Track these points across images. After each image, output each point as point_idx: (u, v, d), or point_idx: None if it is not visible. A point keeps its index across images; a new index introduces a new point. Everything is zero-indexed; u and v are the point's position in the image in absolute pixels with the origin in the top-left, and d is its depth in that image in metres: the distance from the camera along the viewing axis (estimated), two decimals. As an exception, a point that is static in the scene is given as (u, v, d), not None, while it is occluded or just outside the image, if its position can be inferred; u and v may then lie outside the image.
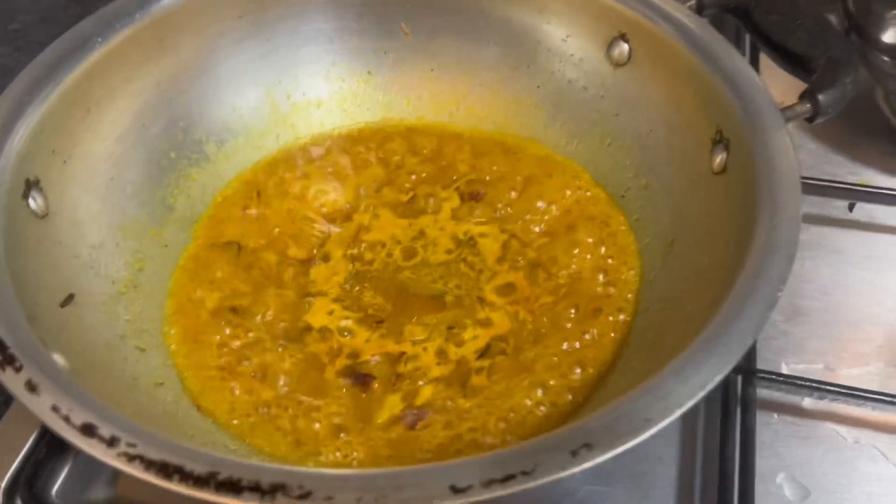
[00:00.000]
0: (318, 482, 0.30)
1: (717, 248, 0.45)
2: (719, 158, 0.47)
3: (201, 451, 0.31)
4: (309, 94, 0.60)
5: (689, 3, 0.53)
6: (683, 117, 0.51)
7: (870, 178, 0.67)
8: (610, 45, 0.55)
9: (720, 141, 0.47)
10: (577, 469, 0.31)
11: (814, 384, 0.49)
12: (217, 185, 0.57)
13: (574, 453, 0.31)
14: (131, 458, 0.31)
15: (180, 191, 0.55)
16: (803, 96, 0.47)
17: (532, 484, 0.30)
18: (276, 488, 0.29)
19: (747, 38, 0.68)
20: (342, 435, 0.44)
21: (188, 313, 0.50)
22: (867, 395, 0.49)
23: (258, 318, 0.50)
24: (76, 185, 0.49)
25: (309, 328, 0.49)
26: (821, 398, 0.51)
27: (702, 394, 0.33)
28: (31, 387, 0.33)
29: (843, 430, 0.51)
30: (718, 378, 0.33)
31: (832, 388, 0.49)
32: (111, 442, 0.31)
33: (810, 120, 0.47)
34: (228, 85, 0.57)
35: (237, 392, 0.45)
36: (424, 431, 0.44)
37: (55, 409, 0.32)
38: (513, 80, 0.59)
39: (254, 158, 0.58)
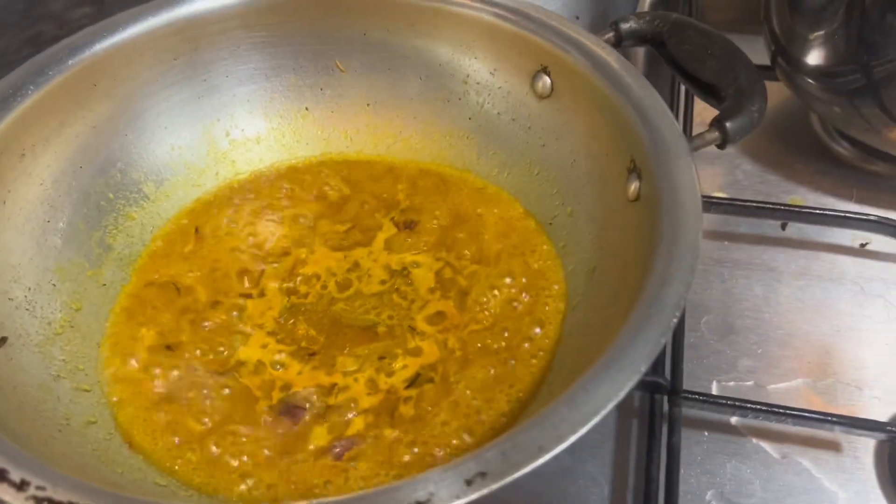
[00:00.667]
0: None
1: (629, 275, 0.46)
2: (633, 186, 0.48)
3: (109, 492, 0.32)
4: (247, 131, 0.62)
5: (606, 36, 0.55)
6: (602, 147, 0.52)
7: (803, 195, 0.69)
8: (534, 78, 0.56)
9: (633, 170, 0.49)
10: (472, 497, 0.32)
11: (737, 403, 0.51)
12: (156, 224, 0.58)
13: (469, 482, 0.32)
14: (39, 501, 0.31)
15: (119, 230, 0.56)
16: (712, 124, 0.48)
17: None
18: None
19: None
20: (269, 467, 0.45)
21: (124, 352, 0.51)
22: (791, 412, 0.50)
23: (193, 353, 0.51)
24: (11, 230, 0.50)
25: (242, 363, 0.50)
26: (744, 416, 0.52)
27: (593, 421, 0.34)
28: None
29: (770, 446, 0.52)
30: (609, 405, 0.34)
31: (756, 407, 0.51)
32: (21, 485, 0.32)
33: (720, 146, 0.48)
34: (166, 125, 0.59)
35: (168, 427, 0.46)
36: (351, 463, 0.45)
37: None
38: (445, 113, 0.61)
39: (193, 196, 0.60)
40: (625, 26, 0.55)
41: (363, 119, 0.63)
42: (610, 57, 0.52)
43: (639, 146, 0.48)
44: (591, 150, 0.53)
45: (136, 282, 0.55)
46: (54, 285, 0.51)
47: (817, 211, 0.63)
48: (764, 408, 0.50)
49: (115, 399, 0.48)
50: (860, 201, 0.68)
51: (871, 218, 0.62)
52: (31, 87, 0.51)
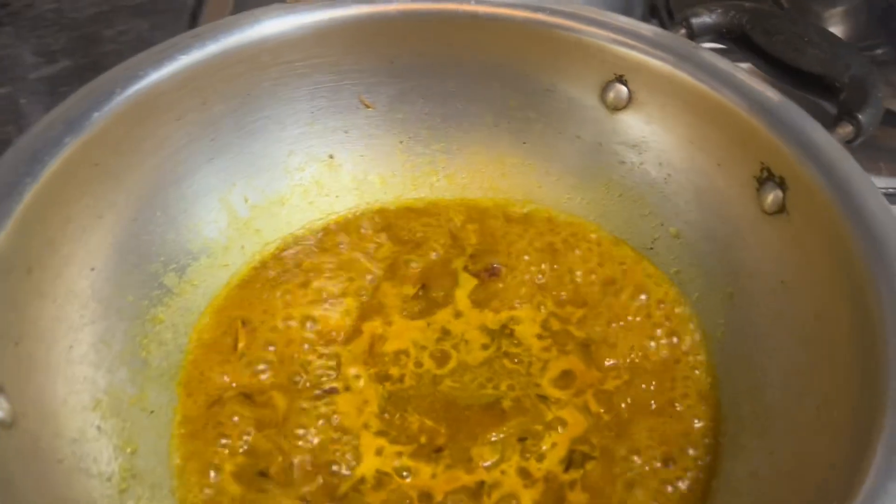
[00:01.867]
0: None
1: (799, 294, 0.41)
2: (771, 197, 0.43)
3: None
4: (268, 192, 0.52)
5: (678, 34, 0.50)
6: (710, 157, 0.47)
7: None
8: (604, 89, 0.50)
9: (769, 178, 0.43)
10: None
11: None
12: (190, 321, 0.47)
13: None
14: None
15: (150, 339, 0.45)
16: (841, 118, 0.44)
17: None
18: None
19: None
20: None
21: (206, 495, 0.40)
22: None
23: (294, 479, 0.41)
24: (34, 370, 0.38)
25: (361, 479, 0.41)
26: None
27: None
28: None
29: None
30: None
31: None
32: None
33: (852, 141, 0.44)
34: (177, 201, 0.48)
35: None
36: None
37: None
38: (494, 140, 0.54)
39: (222, 280, 0.49)
40: (697, 21, 0.49)
41: (397, 159, 0.54)
42: (705, 54, 0.47)
43: (774, 151, 0.43)
44: (693, 163, 0.48)
45: (187, 401, 0.44)
46: (98, 427, 0.40)
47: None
48: None
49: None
50: (890, 174, 0.66)
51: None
52: (28, 180, 0.39)
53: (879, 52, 0.61)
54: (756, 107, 0.44)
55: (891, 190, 0.59)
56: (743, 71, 0.45)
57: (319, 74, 0.51)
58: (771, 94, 0.44)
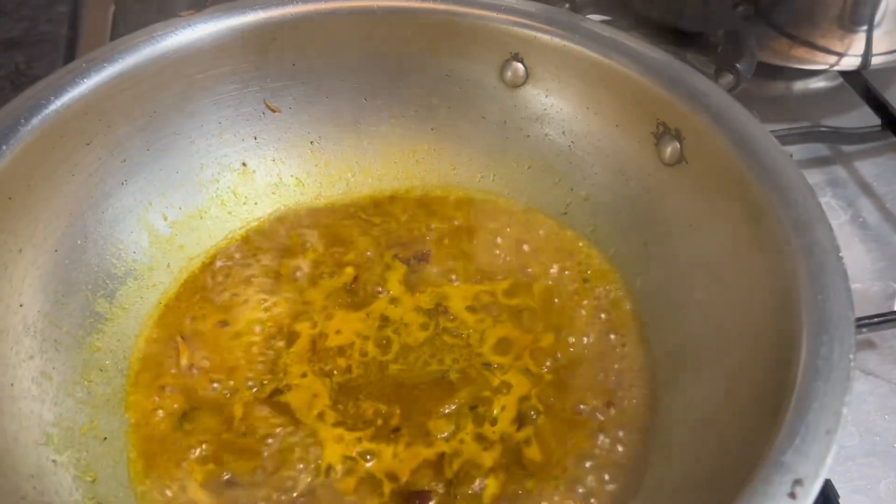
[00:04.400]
0: None
1: (709, 235, 0.45)
2: (669, 149, 0.47)
3: None
4: (186, 207, 0.52)
5: (564, 7, 0.53)
6: (607, 120, 0.50)
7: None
8: (502, 69, 0.53)
9: (665, 132, 0.47)
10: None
11: None
12: (127, 346, 0.47)
13: (792, 495, 0.29)
14: None
15: (90, 368, 0.45)
16: (720, 69, 0.48)
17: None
18: None
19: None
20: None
21: (177, 508, 0.40)
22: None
23: (261, 477, 0.41)
24: (-19, 411, 0.37)
25: (328, 469, 0.42)
26: None
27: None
28: None
29: None
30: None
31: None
32: None
33: (733, 89, 0.48)
34: (95, 226, 0.47)
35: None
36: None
37: None
38: (403, 130, 0.55)
39: (154, 299, 0.49)
40: (579, -6, 0.52)
41: (311, 159, 0.55)
42: (592, 25, 0.50)
43: (667, 105, 0.46)
44: (591, 127, 0.51)
45: (138, 423, 0.44)
46: (54, 461, 0.39)
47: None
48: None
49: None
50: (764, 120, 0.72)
51: (780, 131, 0.66)
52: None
53: (741, 9, 0.65)
54: (645, 67, 0.47)
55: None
56: (628, 36, 0.49)
57: (222, 84, 0.51)
58: (656, 54, 0.47)
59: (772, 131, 0.61)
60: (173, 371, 0.46)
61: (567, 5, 0.53)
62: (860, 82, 0.67)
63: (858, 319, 0.50)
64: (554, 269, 0.51)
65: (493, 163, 0.55)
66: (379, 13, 0.51)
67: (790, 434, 0.31)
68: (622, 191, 0.50)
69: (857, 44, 0.66)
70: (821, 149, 0.68)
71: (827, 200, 0.64)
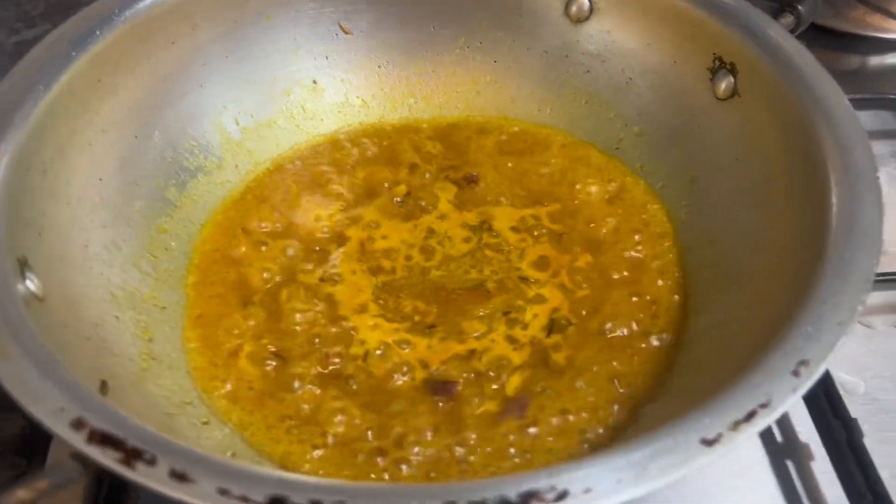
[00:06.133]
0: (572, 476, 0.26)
1: (752, 166, 0.45)
2: (724, 84, 0.48)
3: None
4: (257, 115, 0.55)
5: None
6: (666, 56, 0.51)
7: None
8: (567, 3, 0.54)
9: (720, 67, 0.48)
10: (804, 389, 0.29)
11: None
12: (192, 232, 0.50)
13: (796, 373, 0.30)
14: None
15: (156, 246, 0.48)
16: (783, 9, 0.48)
17: (772, 416, 0.28)
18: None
19: None
20: (458, 448, 0.40)
21: (225, 374, 0.43)
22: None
23: (304, 356, 0.44)
24: (56, 259, 0.41)
25: (365, 353, 0.44)
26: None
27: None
28: (179, 476, 0.27)
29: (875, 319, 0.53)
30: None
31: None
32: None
33: (793, 31, 0.48)
34: (173, 122, 0.51)
35: (315, 441, 0.40)
36: (540, 417, 0.41)
37: (223, 491, 0.27)
38: (467, 61, 0.58)
39: (220, 194, 0.53)
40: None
41: (377, 83, 0.58)
42: (658, -37, 0.51)
43: (724, 41, 0.47)
44: (650, 64, 0.52)
45: (195, 299, 0.47)
46: (117, 317, 0.43)
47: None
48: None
49: (238, 423, 0.41)
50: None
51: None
52: (41, 88, 0.42)
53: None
54: (703, 2, 0.48)
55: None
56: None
57: (300, 3, 0.54)
58: (714, -9, 0.48)
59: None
60: (232, 258, 0.49)
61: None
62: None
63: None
64: (600, 200, 0.52)
65: (551, 97, 0.56)
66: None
67: (804, 321, 0.32)
68: (675, 126, 0.51)
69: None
70: (889, 120, 0.67)
71: (890, 171, 0.64)
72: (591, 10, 0.54)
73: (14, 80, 0.42)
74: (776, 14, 0.48)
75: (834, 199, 0.37)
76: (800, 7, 0.47)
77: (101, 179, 0.46)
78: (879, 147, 0.65)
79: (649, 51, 0.52)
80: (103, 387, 0.37)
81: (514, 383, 0.43)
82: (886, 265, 0.53)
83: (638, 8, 0.51)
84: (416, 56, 0.58)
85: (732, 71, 0.47)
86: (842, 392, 0.49)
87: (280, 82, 0.56)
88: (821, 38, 0.70)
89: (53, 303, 0.39)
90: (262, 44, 0.54)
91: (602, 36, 0.54)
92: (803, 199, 0.40)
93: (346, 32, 0.56)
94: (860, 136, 0.39)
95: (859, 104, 0.63)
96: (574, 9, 0.54)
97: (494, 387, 0.43)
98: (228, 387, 0.43)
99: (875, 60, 0.73)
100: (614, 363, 0.43)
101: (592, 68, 0.55)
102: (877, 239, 0.34)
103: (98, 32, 0.46)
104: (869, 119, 0.66)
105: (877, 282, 0.48)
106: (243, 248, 0.50)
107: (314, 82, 0.57)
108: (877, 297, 0.53)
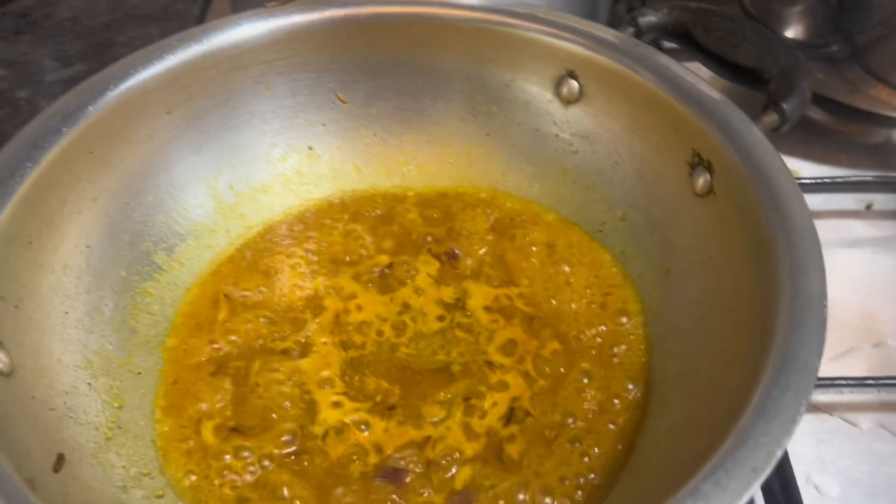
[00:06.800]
0: None
1: (723, 268, 0.45)
2: (702, 180, 0.47)
3: None
4: (252, 180, 0.57)
5: (626, 32, 0.54)
6: (650, 145, 0.51)
7: (797, 167, 0.70)
8: (558, 84, 0.54)
9: (699, 163, 0.47)
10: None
11: (827, 381, 0.50)
12: (176, 296, 0.52)
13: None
14: None
15: (139, 310, 0.50)
16: (767, 107, 0.48)
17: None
18: None
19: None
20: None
21: (183, 448, 0.45)
22: (872, 381, 0.50)
23: (264, 434, 0.46)
24: (33, 330, 0.43)
25: (323, 433, 0.46)
26: (826, 392, 0.51)
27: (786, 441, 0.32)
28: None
29: (857, 417, 0.51)
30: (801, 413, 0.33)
31: (846, 382, 0.50)
32: None
33: (778, 129, 0.47)
34: (167, 187, 0.53)
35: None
36: (478, 517, 0.41)
37: None
38: (461, 132, 0.58)
39: (207, 258, 0.54)
40: (644, 20, 0.53)
41: (372, 150, 0.59)
42: (646, 51, 0.51)
43: (703, 138, 0.47)
44: (636, 150, 0.52)
45: (171, 365, 0.49)
46: (89, 384, 0.45)
47: (819, 181, 0.64)
48: (854, 382, 0.50)
49: (192, 499, 0.43)
50: (849, 165, 0.69)
51: (869, 179, 0.64)
52: (29, 165, 0.45)
53: (835, 48, 0.64)
54: (686, 96, 0.48)
55: (860, 179, 0.63)
56: (678, 65, 0.49)
57: (298, 73, 0.56)
58: (702, 85, 0.48)
59: (854, 177, 0.60)
60: (212, 325, 0.51)
61: (631, 30, 0.53)
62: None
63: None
64: (578, 283, 0.52)
65: (540, 173, 0.57)
66: (446, 20, 0.54)
67: (719, 463, 0.32)
68: (655, 215, 0.51)
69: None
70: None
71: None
72: (581, 92, 0.54)
73: (4, 157, 0.44)
74: (762, 111, 0.47)
75: (778, 328, 0.36)
76: (784, 105, 0.47)
77: (88, 246, 0.49)
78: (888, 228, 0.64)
79: (634, 137, 0.52)
80: (59, 461, 0.39)
81: (463, 475, 0.44)
82: (881, 364, 0.53)
83: (623, 95, 0.51)
84: (411, 126, 0.59)
85: (710, 169, 0.47)
86: (815, 494, 0.48)
87: (277, 148, 0.57)
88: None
89: (23, 374, 0.41)
90: (260, 112, 0.56)
91: (590, 119, 0.54)
92: (758, 317, 0.39)
93: (343, 102, 0.58)
94: (816, 258, 0.38)
95: (872, 186, 0.62)
96: (565, 90, 0.54)
97: (445, 476, 0.43)
98: (189, 457, 0.45)
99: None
100: (567, 461, 0.43)
101: (581, 149, 0.55)
102: (811, 376, 0.34)
103: (90, 108, 0.48)
104: (886, 198, 0.64)
105: (864, 384, 0.49)
106: (223, 314, 0.51)
107: (310, 148, 0.58)
108: (862, 396, 0.52)
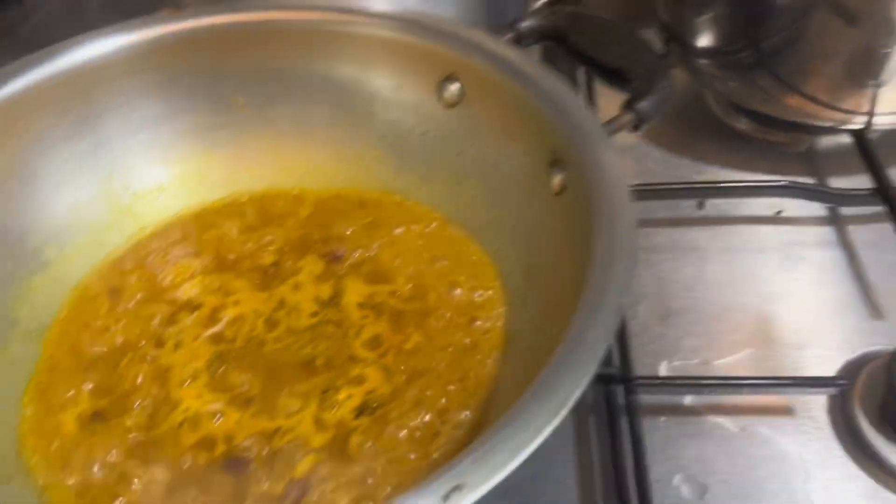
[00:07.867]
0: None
1: (566, 266, 0.45)
2: (557, 179, 0.48)
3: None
4: (148, 181, 0.59)
5: (507, 37, 0.55)
6: (520, 146, 0.52)
7: (714, 174, 0.70)
8: (440, 87, 0.55)
9: (555, 162, 0.48)
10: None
11: (690, 381, 0.51)
12: (64, 291, 0.54)
13: (446, 497, 0.30)
14: None
15: (22, 302, 0.52)
16: (625, 107, 0.48)
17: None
18: None
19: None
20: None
21: (42, 433, 0.46)
22: (742, 381, 0.51)
23: (125, 421, 0.47)
24: None
25: (180, 421, 0.47)
26: (699, 393, 0.52)
27: (565, 410, 0.32)
28: None
29: (727, 420, 0.52)
30: (577, 392, 0.33)
31: (708, 382, 0.51)
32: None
33: (635, 128, 0.48)
34: (60, 185, 0.55)
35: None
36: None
37: None
38: (354, 136, 0.59)
39: (99, 256, 0.56)
40: (524, 25, 0.55)
41: (269, 153, 0.60)
42: (515, 56, 0.51)
43: (558, 138, 0.47)
44: (507, 152, 0.53)
45: (48, 355, 0.51)
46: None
47: (729, 184, 0.65)
48: (718, 381, 0.50)
49: (44, 488, 0.44)
50: (769, 171, 0.69)
51: (782, 183, 0.64)
52: None
53: (744, 55, 0.64)
54: (546, 99, 0.49)
55: (771, 183, 0.64)
56: (545, 68, 0.50)
57: (194, 76, 0.58)
58: (561, 89, 0.49)
59: (767, 181, 0.61)
60: (95, 319, 0.53)
61: (511, 34, 0.55)
62: (861, 143, 0.64)
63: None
64: (447, 281, 0.53)
65: (429, 175, 0.57)
66: (323, 26, 0.56)
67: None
68: (524, 215, 0.52)
69: (860, 102, 0.63)
70: (819, 208, 0.65)
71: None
72: (462, 95, 0.55)
73: None
74: (620, 110, 0.48)
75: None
76: (641, 104, 0.47)
77: (-27, 239, 0.51)
78: (805, 234, 0.64)
79: (507, 139, 0.53)
80: None
81: (304, 465, 0.44)
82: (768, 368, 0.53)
83: (496, 99, 0.52)
84: (306, 130, 0.60)
85: (564, 168, 0.47)
86: (681, 495, 0.48)
87: (175, 150, 0.59)
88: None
89: None
90: (155, 115, 0.58)
91: (470, 121, 0.55)
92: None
93: (239, 105, 0.59)
94: (628, 255, 0.39)
95: (779, 191, 0.62)
96: (447, 93, 0.55)
97: (285, 467, 0.44)
98: (47, 442, 0.46)
99: (827, 141, 0.70)
100: (402, 461, 0.44)
101: (464, 150, 0.56)
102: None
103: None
104: (800, 204, 0.64)
105: (729, 384, 0.49)
106: (105, 309, 0.53)
107: (206, 151, 0.60)
108: (734, 398, 0.52)
